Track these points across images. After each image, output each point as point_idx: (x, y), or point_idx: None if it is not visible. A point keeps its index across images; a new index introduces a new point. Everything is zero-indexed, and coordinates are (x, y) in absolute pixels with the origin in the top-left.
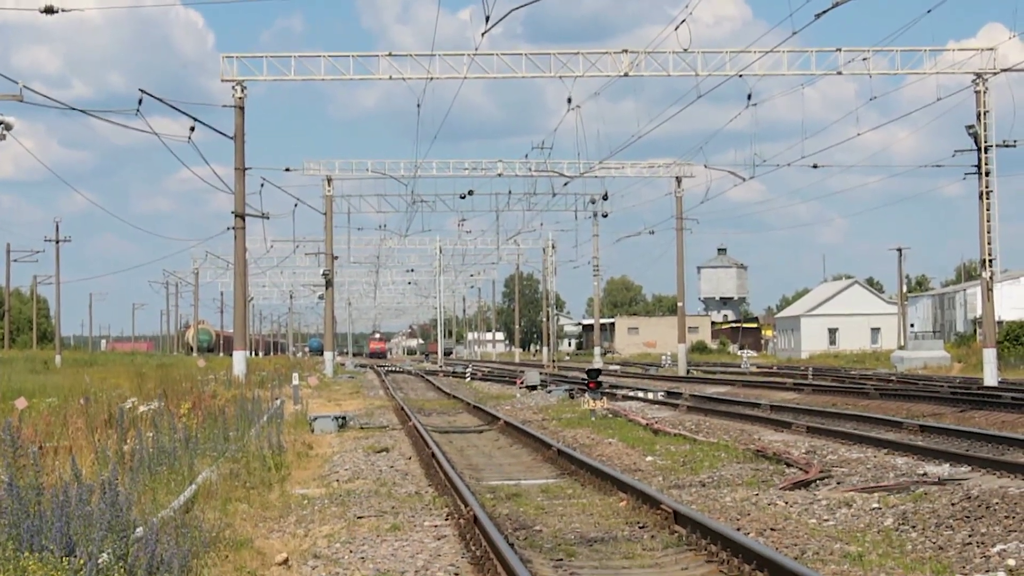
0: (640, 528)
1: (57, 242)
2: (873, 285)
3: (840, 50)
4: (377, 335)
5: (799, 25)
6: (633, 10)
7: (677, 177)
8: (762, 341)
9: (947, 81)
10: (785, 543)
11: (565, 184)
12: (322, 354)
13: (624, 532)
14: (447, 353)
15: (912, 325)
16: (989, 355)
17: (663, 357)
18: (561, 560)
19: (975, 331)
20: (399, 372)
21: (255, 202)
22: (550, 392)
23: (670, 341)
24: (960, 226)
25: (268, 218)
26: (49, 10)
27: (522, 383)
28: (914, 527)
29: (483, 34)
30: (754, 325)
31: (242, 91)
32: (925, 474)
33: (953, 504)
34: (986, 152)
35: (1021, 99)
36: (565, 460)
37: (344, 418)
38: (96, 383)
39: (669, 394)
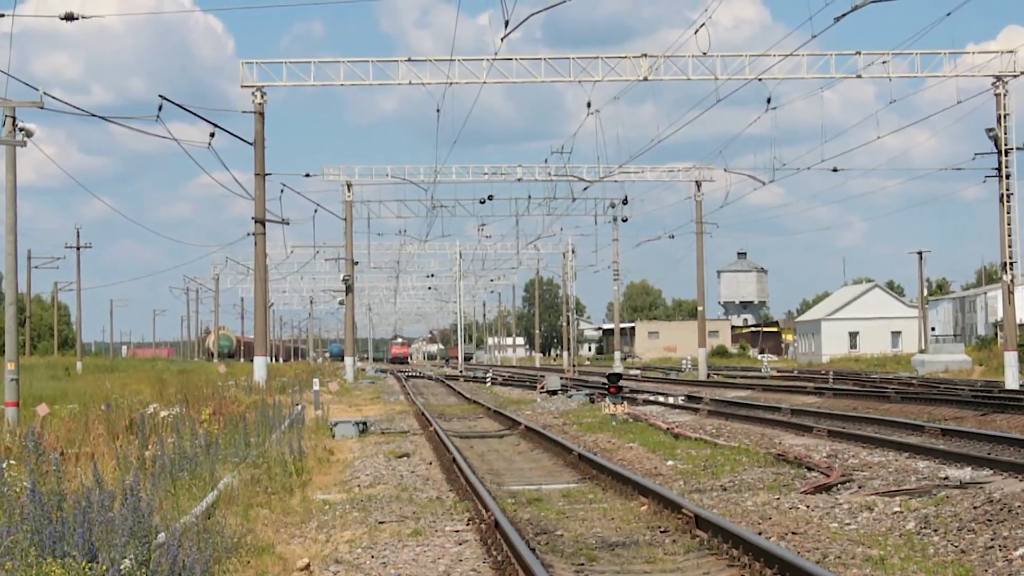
0: (661, 532)
1: (78, 248)
2: (894, 288)
3: (859, 53)
4: (399, 340)
5: (818, 28)
6: (652, 14)
7: (697, 181)
8: (782, 345)
9: (967, 84)
10: (807, 547)
11: (585, 189)
12: (343, 359)
13: (645, 536)
14: (467, 358)
15: (933, 328)
16: (1010, 358)
17: (683, 361)
18: (583, 564)
19: (996, 334)
20: (419, 377)
21: (275, 208)
22: (570, 397)
23: (690, 345)
24: (980, 229)
25: (288, 224)
26: (69, 17)
27: (542, 388)
28: (936, 531)
29: (502, 39)
30: (774, 329)
31: (262, 97)
32: (947, 478)
33: (975, 508)
34: (1006, 155)
35: None
36: (586, 464)
37: (365, 423)
38: (117, 389)
39: (689, 398)
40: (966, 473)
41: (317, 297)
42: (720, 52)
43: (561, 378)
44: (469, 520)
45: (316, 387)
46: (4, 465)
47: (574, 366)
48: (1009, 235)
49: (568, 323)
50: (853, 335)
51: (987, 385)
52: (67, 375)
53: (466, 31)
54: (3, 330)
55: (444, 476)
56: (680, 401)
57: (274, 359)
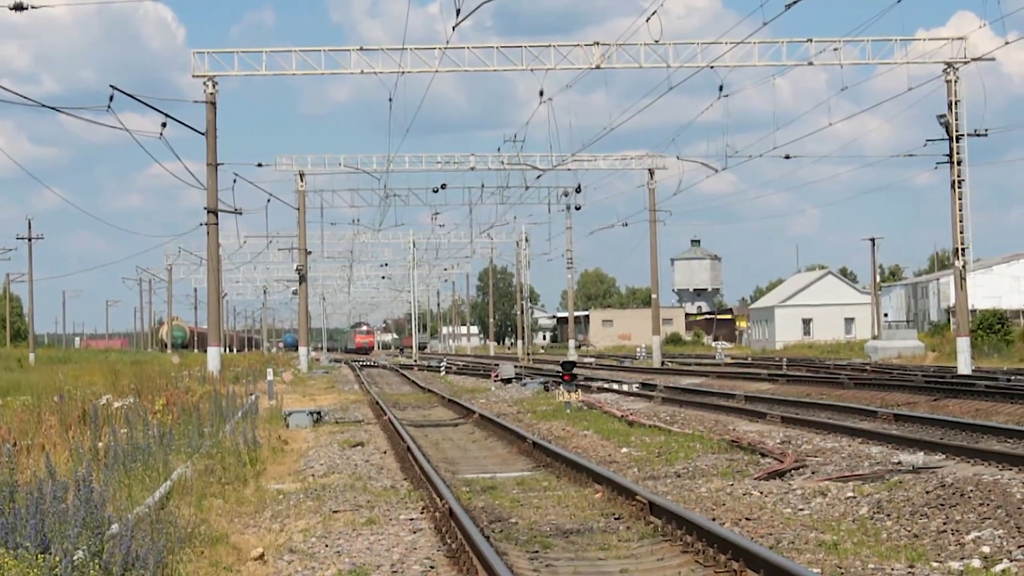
0: (616, 519)
1: (30, 240)
2: (847, 275)
3: (811, 40)
4: (364, 327)
5: (769, 16)
6: (604, 2)
7: (650, 169)
8: (736, 332)
9: (918, 71)
10: (760, 533)
11: (538, 177)
12: (296, 349)
13: (600, 523)
14: (421, 347)
15: (886, 315)
16: (963, 344)
17: (638, 349)
18: (537, 552)
19: (948, 320)
20: (374, 367)
21: (228, 198)
22: (525, 385)
23: (644, 333)
24: (932, 215)
25: (241, 214)
26: (19, 7)
27: (497, 376)
28: (889, 515)
29: (454, 27)
30: (728, 316)
31: (213, 86)
32: (900, 462)
33: (928, 492)
34: (958, 141)
35: (992, 88)
36: (540, 452)
37: (319, 413)
38: (70, 381)
39: (644, 386)
40: (919, 458)
41: (270, 287)
42: (672, 40)
43: (516, 366)
44: (423, 508)
45: (270, 377)
46: None
47: (528, 354)
48: (961, 221)
49: (522, 311)
50: (807, 322)
51: (940, 370)
52: (20, 367)
53: (417, 20)
54: None
55: (398, 465)
56: (634, 389)
57: (228, 349)
